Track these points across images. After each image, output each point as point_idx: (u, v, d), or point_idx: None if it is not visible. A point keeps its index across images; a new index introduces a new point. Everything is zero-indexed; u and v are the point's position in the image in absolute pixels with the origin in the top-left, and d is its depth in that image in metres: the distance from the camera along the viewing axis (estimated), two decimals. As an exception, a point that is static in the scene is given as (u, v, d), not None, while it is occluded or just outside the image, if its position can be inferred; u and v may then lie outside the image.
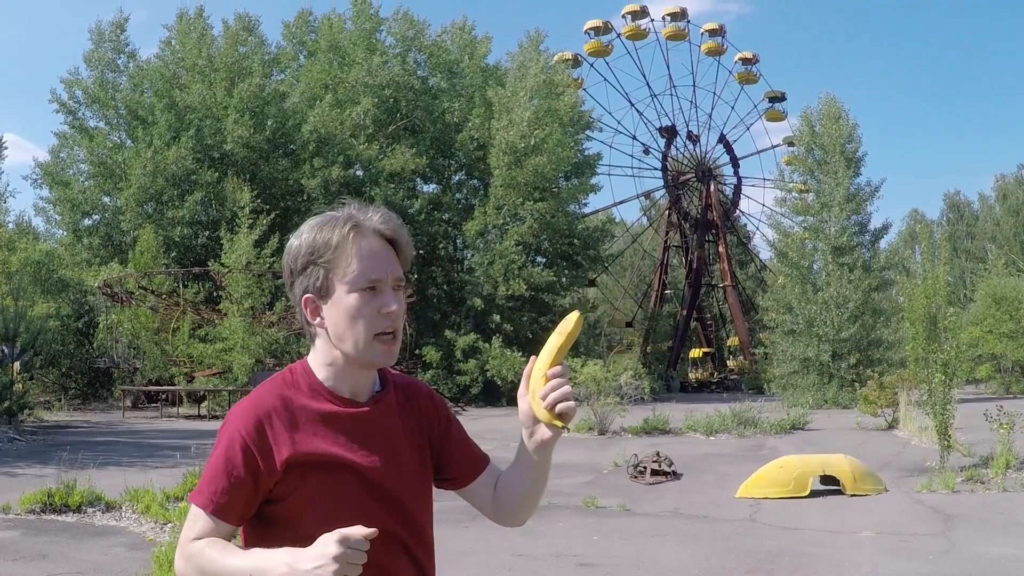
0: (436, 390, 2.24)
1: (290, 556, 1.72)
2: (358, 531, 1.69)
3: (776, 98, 72.40)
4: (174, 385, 32.56)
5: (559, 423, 1.89)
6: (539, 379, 1.91)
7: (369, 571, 1.84)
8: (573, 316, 1.96)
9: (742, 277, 73.59)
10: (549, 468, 2.06)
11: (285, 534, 1.84)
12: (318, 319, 1.93)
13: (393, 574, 1.93)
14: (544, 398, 1.88)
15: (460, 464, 2.13)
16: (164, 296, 35.71)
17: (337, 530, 1.69)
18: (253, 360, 31.17)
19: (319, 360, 1.97)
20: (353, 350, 1.90)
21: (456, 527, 9.15)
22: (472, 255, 46.21)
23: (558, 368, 1.91)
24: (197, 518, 1.86)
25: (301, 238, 1.93)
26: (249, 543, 1.93)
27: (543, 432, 1.95)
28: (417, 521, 2.00)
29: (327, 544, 1.68)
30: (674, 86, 70.04)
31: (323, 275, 1.89)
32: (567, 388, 1.88)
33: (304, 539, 1.75)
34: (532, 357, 1.96)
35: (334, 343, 1.92)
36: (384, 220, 1.94)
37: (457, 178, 51.36)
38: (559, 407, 1.87)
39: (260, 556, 1.77)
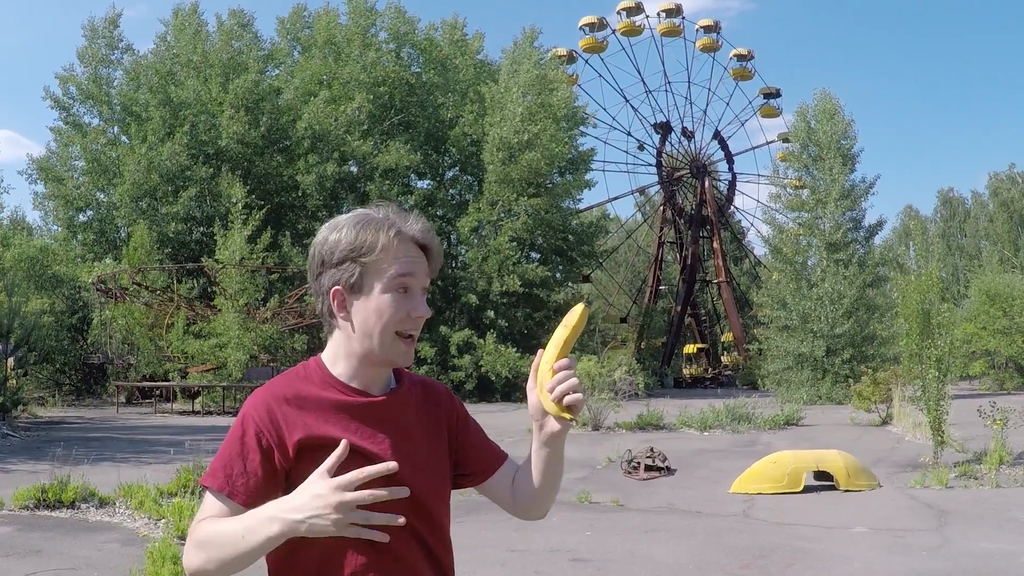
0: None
1: (276, 506, 1.77)
2: (354, 475, 1.74)
3: (771, 94, 72.40)
4: (168, 381, 32.50)
5: (567, 415, 1.91)
6: (546, 372, 1.94)
7: (385, 560, 1.88)
8: (578, 308, 1.99)
9: (736, 273, 73.65)
10: (563, 461, 2.09)
11: None
12: (344, 313, 1.96)
13: (409, 564, 1.94)
14: (551, 391, 1.91)
15: (478, 461, 2.16)
16: (158, 292, 35.63)
17: (333, 478, 1.74)
18: (247, 356, 31.12)
19: (334, 354, 2.01)
20: (378, 347, 1.94)
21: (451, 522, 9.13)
22: (466, 251, 46.22)
23: (564, 360, 1.94)
24: (209, 503, 1.87)
25: (341, 233, 1.95)
26: None
27: (552, 425, 1.98)
28: (433, 514, 2.01)
29: (319, 488, 1.74)
30: (669, 82, 70.04)
31: (359, 272, 1.93)
32: (574, 380, 1.91)
33: None
34: (539, 351, 1.99)
35: (357, 338, 1.96)
36: (422, 230, 2.00)
37: (451, 174, 51.35)
38: (566, 399, 1.90)
39: (250, 513, 1.80)
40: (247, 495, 1.84)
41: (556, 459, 2.05)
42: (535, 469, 2.07)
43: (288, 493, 1.84)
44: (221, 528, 1.79)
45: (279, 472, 1.88)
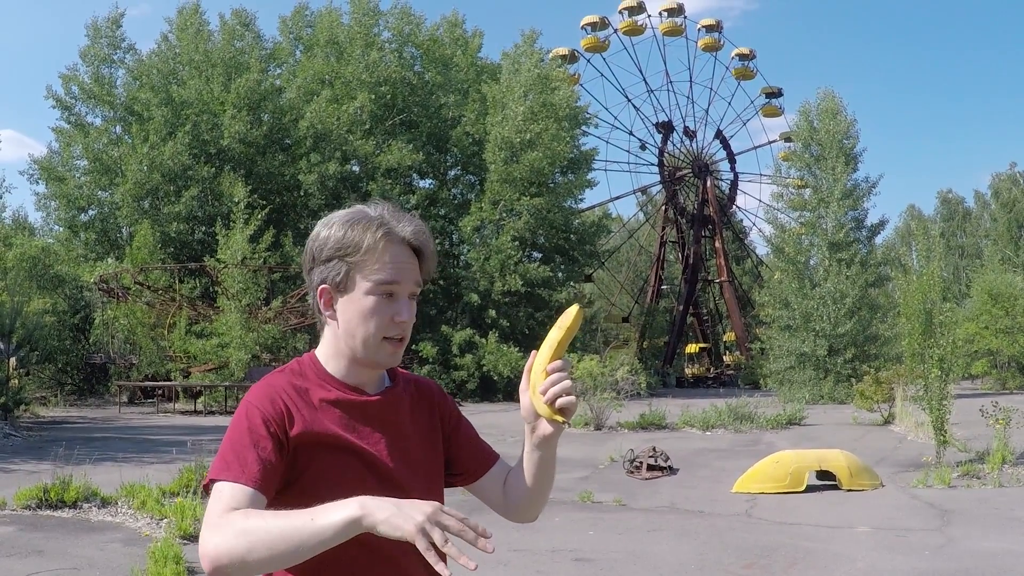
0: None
1: (362, 499, 1.59)
2: (452, 519, 1.56)
3: (773, 94, 72.46)
4: (170, 381, 32.50)
5: (560, 418, 1.88)
6: (539, 374, 1.90)
7: (378, 561, 1.85)
8: (572, 310, 1.95)
9: (738, 272, 73.66)
10: (555, 463, 2.06)
11: None
12: (330, 311, 1.94)
13: (403, 566, 1.90)
14: (544, 393, 1.88)
15: (469, 460, 2.14)
16: (160, 292, 35.65)
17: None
18: (249, 356, 31.13)
19: (326, 351, 1.99)
20: (361, 348, 1.91)
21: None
22: (468, 250, 46.22)
23: (558, 363, 1.90)
24: (228, 494, 1.70)
25: (331, 229, 1.92)
26: None
27: (545, 427, 1.95)
28: None
29: (418, 502, 1.58)
30: (671, 82, 70.12)
31: (345, 271, 1.90)
32: (567, 383, 1.87)
33: None
34: (533, 352, 1.96)
35: (343, 336, 1.93)
36: (415, 232, 1.96)
37: (453, 173, 51.37)
38: (559, 402, 1.87)
39: (326, 505, 1.60)
40: (266, 484, 1.74)
41: (548, 462, 2.03)
42: (527, 472, 2.06)
43: (285, 490, 1.80)
44: (274, 514, 1.62)
45: (285, 462, 1.82)
